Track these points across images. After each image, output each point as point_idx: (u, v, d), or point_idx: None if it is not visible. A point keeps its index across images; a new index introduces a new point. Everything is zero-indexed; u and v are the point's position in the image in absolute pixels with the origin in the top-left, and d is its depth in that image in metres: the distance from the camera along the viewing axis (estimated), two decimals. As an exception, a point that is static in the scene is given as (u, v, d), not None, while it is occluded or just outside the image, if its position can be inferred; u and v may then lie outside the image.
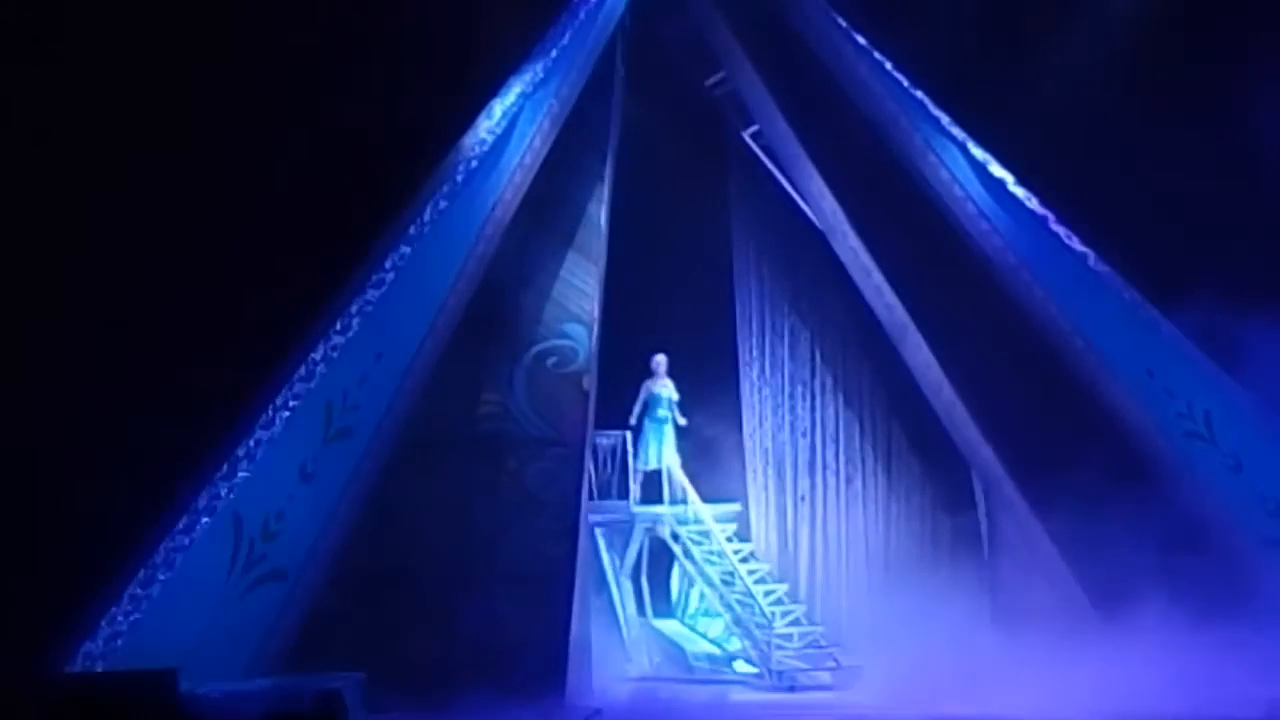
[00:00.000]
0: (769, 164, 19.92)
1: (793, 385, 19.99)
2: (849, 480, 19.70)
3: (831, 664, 18.26)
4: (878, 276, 18.26)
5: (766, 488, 19.95)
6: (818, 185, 18.66)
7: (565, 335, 17.17)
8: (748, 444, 20.04)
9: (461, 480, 16.54)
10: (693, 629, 19.58)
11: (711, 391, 19.94)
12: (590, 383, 17.19)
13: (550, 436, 16.86)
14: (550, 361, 17.10)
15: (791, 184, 19.61)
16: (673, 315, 19.84)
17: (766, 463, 20.00)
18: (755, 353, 20.13)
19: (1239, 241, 16.81)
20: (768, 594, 18.74)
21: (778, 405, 20.06)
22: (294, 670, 14.28)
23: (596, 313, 17.27)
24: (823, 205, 18.72)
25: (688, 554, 19.10)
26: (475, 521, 16.43)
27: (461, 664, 15.23)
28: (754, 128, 19.85)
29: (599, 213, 17.53)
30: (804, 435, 19.94)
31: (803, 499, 19.83)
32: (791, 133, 18.69)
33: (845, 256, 18.58)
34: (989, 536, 18.47)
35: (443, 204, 15.74)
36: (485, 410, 16.87)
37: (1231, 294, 15.85)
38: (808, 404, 19.95)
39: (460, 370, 16.60)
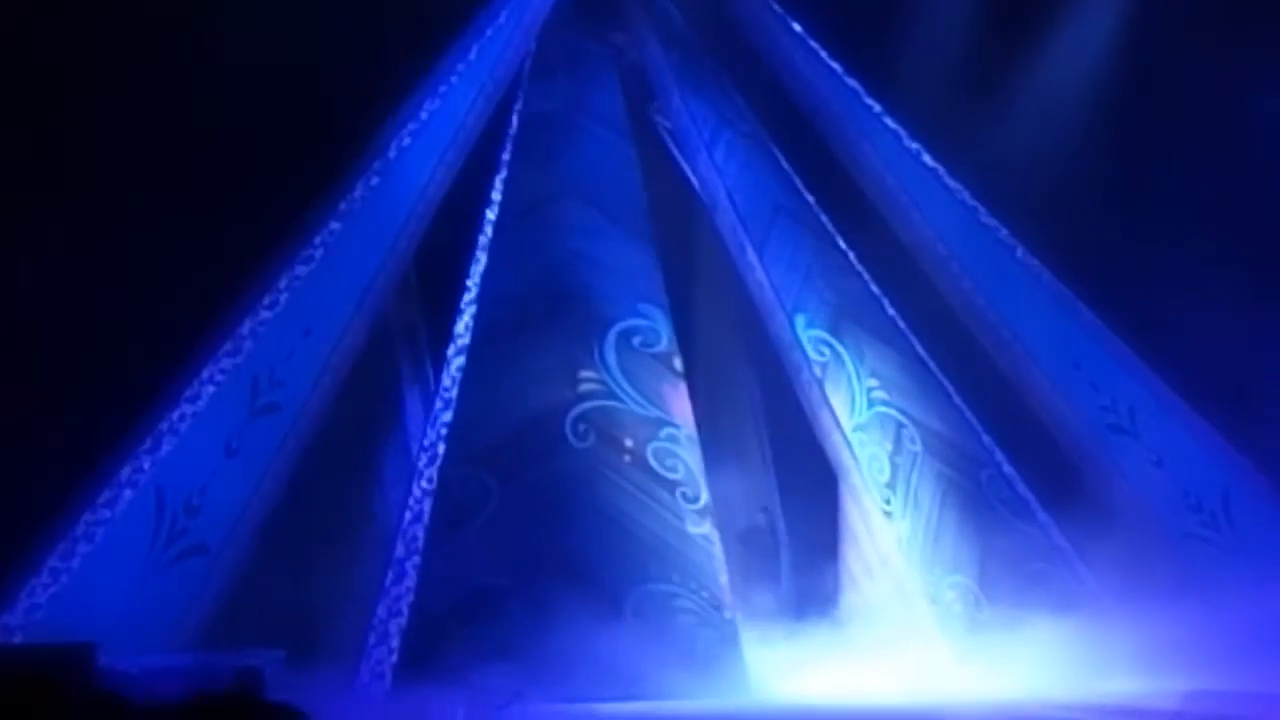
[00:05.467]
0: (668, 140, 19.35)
1: None
2: None
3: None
4: (751, 255, 17.74)
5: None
6: (705, 160, 18.28)
7: (641, 314, 16.76)
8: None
9: (584, 459, 16.00)
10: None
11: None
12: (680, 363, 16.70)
13: (660, 417, 16.31)
14: (635, 340, 16.63)
15: (686, 159, 19.03)
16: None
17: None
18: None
19: (1169, 233, 16.82)
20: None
21: None
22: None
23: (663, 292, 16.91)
24: (707, 178, 18.28)
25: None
26: (607, 500, 15.85)
27: (642, 647, 14.68)
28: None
29: (638, 192, 17.34)
30: None
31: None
32: (684, 109, 18.39)
33: (727, 235, 18.04)
34: None
35: (374, 180, 15.66)
36: (586, 388, 16.30)
37: (1161, 288, 15.98)
38: None
39: (551, 346, 16.37)
